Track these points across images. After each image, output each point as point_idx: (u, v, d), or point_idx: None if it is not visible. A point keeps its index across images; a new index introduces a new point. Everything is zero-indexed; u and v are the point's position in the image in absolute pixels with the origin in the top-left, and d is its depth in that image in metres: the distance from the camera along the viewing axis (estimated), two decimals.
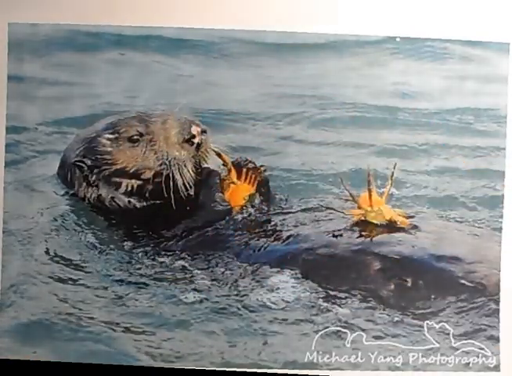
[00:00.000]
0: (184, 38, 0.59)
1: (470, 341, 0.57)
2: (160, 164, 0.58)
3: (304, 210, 0.60)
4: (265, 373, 0.47)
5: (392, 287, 0.55)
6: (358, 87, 0.59)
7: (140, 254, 0.59)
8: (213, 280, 0.58)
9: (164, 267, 0.59)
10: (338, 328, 0.56)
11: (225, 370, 0.50)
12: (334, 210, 0.59)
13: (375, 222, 0.58)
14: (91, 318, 0.58)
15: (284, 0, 0.58)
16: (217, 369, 0.52)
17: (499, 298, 0.57)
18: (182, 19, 0.58)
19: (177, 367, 0.56)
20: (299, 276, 0.57)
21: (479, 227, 0.59)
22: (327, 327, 0.55)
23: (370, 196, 0.59)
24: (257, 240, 0.59)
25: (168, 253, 0.59)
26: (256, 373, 0.48)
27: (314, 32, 0.58)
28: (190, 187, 0.59)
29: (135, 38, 0.59)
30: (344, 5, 0.58)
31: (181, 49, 0.59)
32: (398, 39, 0.58)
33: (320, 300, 0.56)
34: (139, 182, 0.59)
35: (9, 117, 0.58)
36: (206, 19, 0.58)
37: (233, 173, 0.60)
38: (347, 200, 0.59)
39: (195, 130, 0.58)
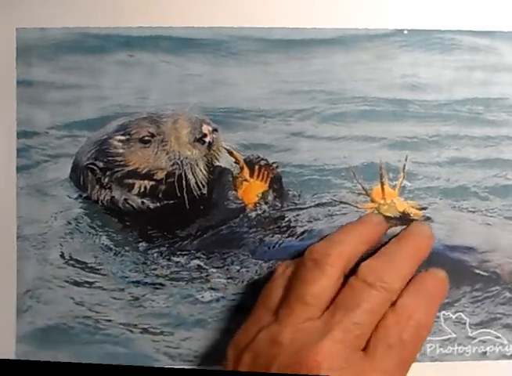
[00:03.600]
0: (192, 38, 0.59)
1: (486, 330, 0.57)
2: (173, 164, 0.58)
3: (317, 205, 0.60)
4: (269, 373, 0.47)
5: None
6: (367, 81, 0.58)
7: (155, 255, 0.59)
8: (229, 278, 0.58)
9: (179, 267, 0.59)
10: None
11: (226, 370, 0.50)
12: (347, 204, 0.59)
13: (388, 214, 0.58)
14: (109, 320, 0.57)
15: None
16: (218, 369, 0.52)
17: None
18: (190, 19, 0.58)
19: (177, 367, 0.56)
20: None
21: (491, 216, 0.59)
22: None
23: (383, 189, 0.58)
24: (272, 236, 0.59)
25: (183, 252, 0.59)
26: (260, 373, 0.48)
27: (322, 27, 0.58)
28: (203, 186, 0.58)
29: (143, 39, 0.58)
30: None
31: (189, 49, 0.59)
32: (405, 32, 0.58)
33: None
34: (152, 183, 0.58)
35: (19, 122, 0.58)
36: (214, 17, 0.58)
37: (246, 171, 0.59)
38: (360, 193, 0.59)
39: (206, 129, 0.58)
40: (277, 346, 0.48)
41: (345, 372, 0.47)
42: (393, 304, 0.50)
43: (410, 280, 0.52)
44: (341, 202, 0.59)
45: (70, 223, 0.59)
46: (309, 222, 0.59)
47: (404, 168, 0.59)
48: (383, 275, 0.50)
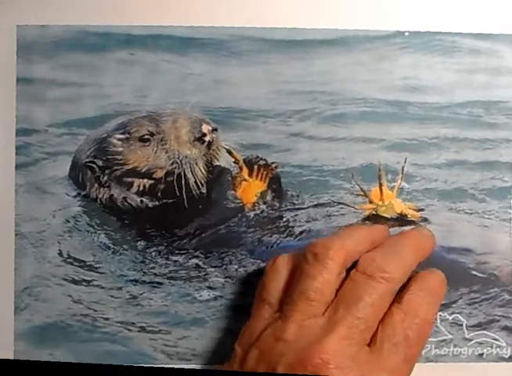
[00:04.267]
0: (193, 37, 0.58)
1: (483, 332, 0.57)
2: (172, 163, 0.58)
3: (315, 205, 0.60)
4: (268, 373, 0.47)
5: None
6: (367, 82, 0.58)
7: (154, 254, 0.59)
8: (227, 277, 0.58)
9: (177, 266, 0.59)
10: None
11: (226, 370, 0.50)
12: (346, 205, 0.59)
13: (386, 215, 0.59)
14: (107, 319, 0.57)
15: None
16: (217, 369, 0.52)
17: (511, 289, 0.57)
18: (191, 18, 0.58)
19: (177, 367, 0.56)
20: None
21: (488, 218, 0.60)
22: None
23: (381, 190, 0.58)
24: (270, 236, 0.59)
25: (182, 252, 0.59)
26: (258, 373, 0.48)
27: (323, 28, 0.58)
28: (202, 185, 0.58)
29: (144, 38, 0.58)
30: (352, 0, 0.58)
31: (190, 48, 0.59)
32: (406, 34, 0.58)
33: None
34: (151, 182, 0.58)
35: (18, 120, 0.58)
36: (215, 17, 0.57)
37: (245, 170, 0.59)
38: (358, 195, 0.59)
39: (205, 128, 0.58)
40: (282, 343, 0.48)
41: (352, 370, 0.47)
42: (398, 301, 0.50)
43: (412, 278, 0.51)
44: (339, 203, 0.59)
45: (68, 221, 0.59)
46: (307, 222, 0.60)
47: (403, 170, 0.59)
48: (383, 265, 0.49)
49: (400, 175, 0.59)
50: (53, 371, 0.49)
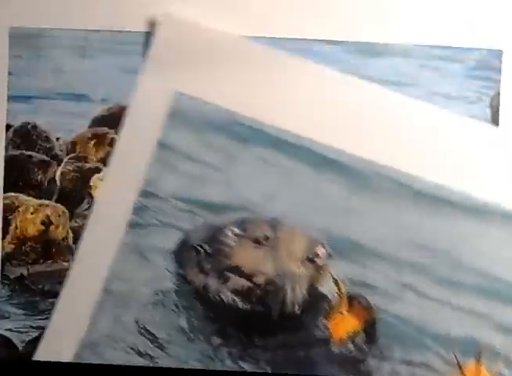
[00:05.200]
0: (334, 159, 0.58)
1: None
2: (276, 274, 0.57)
3: (403, 361, 0.57)
4: (266, 373, 0.44)
5: None
6: (495, 260, 0.56)
7: (225, 354, 0.57)
8: None
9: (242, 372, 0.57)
10: None
11: (226, 370, 0.49)
12: (436, 372, 0.56)
13: None
14: None
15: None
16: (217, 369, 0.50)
17: None
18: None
19: (176, 367, 0.55)
20: None
21: None
22: None
23: (479, 369, 0.55)
24: None
25: (252, 360, 0.57)
26: (257, 373, 0.44)
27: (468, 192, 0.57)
28: (298, 306, 0.57)
29: (288, 145, 0.58)
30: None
31: (327, 167, 0.58)
32: None
33: None
34: (249, 285, 0.57)
35: (146, 182, 0.58)
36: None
37: (344, 304, 0.57)
38: (450, 364, 0.56)
39: (320, 251, 0.57)
40: None
41: None
42: None
43: None
44: (429, 367, 0.56)
45: (157, 294, 0.58)
46: (390, 375, 0.57)
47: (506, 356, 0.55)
48: None
49: (501, 358, 0.56)
50: (54, 371, 0.48)
